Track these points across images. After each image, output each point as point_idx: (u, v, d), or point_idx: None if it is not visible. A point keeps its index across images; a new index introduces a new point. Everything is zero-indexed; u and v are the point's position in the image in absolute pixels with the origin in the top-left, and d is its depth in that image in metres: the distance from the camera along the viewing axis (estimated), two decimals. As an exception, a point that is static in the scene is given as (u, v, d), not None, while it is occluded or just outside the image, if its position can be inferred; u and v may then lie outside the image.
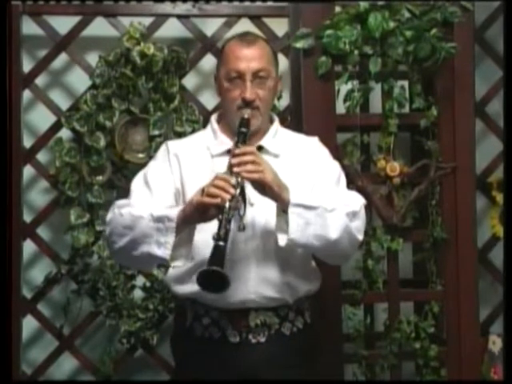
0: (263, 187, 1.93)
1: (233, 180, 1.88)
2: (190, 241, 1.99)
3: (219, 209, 1.86)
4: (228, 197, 1.85)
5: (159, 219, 1.94)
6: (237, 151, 1.95)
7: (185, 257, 2.00)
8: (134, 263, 2.11)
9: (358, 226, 2.05)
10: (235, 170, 1.90)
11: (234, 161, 1.91)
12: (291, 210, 1.92)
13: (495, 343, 2.91)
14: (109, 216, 2.08)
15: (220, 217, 1.85)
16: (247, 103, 2.06)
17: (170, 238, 1.93)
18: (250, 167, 1.91)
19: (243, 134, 2.01)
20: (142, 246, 1.97)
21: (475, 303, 2.73)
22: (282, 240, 1.95)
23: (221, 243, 1.83)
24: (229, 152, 2.04)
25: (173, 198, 2.09)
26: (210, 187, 1.89)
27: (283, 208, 1.95)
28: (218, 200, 1.86)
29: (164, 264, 2.06)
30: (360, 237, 2.07)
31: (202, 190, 1.90)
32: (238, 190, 1.90)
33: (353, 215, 2.03)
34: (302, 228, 1.93)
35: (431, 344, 2.69)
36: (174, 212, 1.95)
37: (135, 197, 2.10)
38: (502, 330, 2.88)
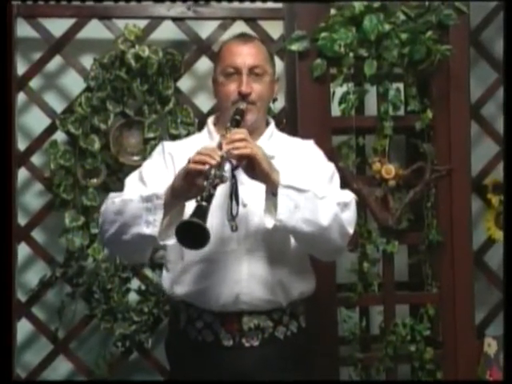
0: (253, 167, 1.90)
1: (220, 152, 1.87)
2: (179, 219, 1.90)
3: (205, 177, 1.84)
4: (213, 162, 1.83)
5: (148, 199, 1.92)
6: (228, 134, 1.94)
7: (175, 236, 1.93)
8: (125, 250, 2.05)
9: (349, 218, 2.02)
10: (225, 146, 1.88)
11: (225, 140, 1.90)
12: (281, 192, 1.89)
13: (491, 346, 2.91)
14: (102, 208, 2.07)
15: (205, 182, 1.83)
16: (243, 96, 2.07)
17: (159, 216, 1.91)
18: (240, 143, 1.89)
19: (236, 120, 2.01)
20: (131, 228, 1.94)
21: (471, 306, 2.72)
22: (270, 223, 1.92)
23: (203, 203, 1.80)
24: None
25: None
26: (196, 156, 1.87)
27: (272, 190, 1.92)
28: (205, 166, 1.84)
29: (155, 246, 2.03)
30: (350, 230, 2.03)
31: (189, 161, 1.89)
32: (230, 168, 1.90)
33: (344, 206, 2.01)
34: (290, 210, 1.90)
35: (427, 347, 2.68)
36: (162, 189, 1.94)
37: (128, 189, 2.10)
38: (498, 332, 2.89)
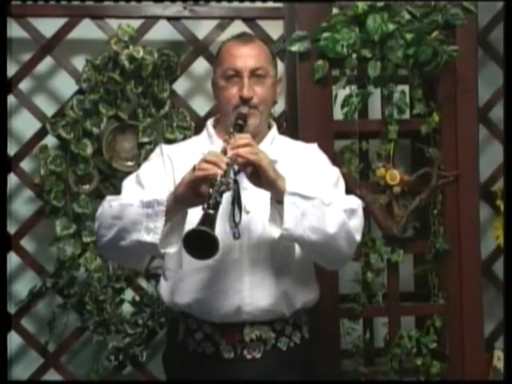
0: (257, 174, 1.87)
1: (225, 158, 1.84)
2: (181, 227, 1.91)
3: (210, 185, 1.81)
4: (220, 171, 1.80)
5: (148, 204, 1.89)
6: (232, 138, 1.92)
7: (176, 244, 1.93)
8: (122, 256, 2.02)
9: (356, 225, 2.00)
10: (230, 152, 1.86)
11: (229, 145, 1.88)
12: (287, 199, 1.87)
13: (500, 359, 2.89)
14: (98, 211, 2.03)
15: (210, 190, 1.80)
16: (245, 101, 2.05)
17: (160, 223, 1.87)
18: (245, 149, 1.86)
19: (240, 125, 2.00)
20: (130, 234, 1.90)
21: (479, 317, 2.71)
22: (276, 232, 1.90)
23: (210, 211, 1.77)
24: None
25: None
26: (202, 163, 1.85)
27: (277, 198, 1.89)
28: (210, 173, 1.81)
29: (154, 253, 2.00)
30: (358, 237, 2.01)
31: (194, 168, 1.86)
32: (232, 174, 1.87)
33: (350, 212, 1.99)
34: (297, 218, 1.87)
35: (433, 360, 2.67)
36: (164, 195, 1.90)
37: (126, 193, 2.07)
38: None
